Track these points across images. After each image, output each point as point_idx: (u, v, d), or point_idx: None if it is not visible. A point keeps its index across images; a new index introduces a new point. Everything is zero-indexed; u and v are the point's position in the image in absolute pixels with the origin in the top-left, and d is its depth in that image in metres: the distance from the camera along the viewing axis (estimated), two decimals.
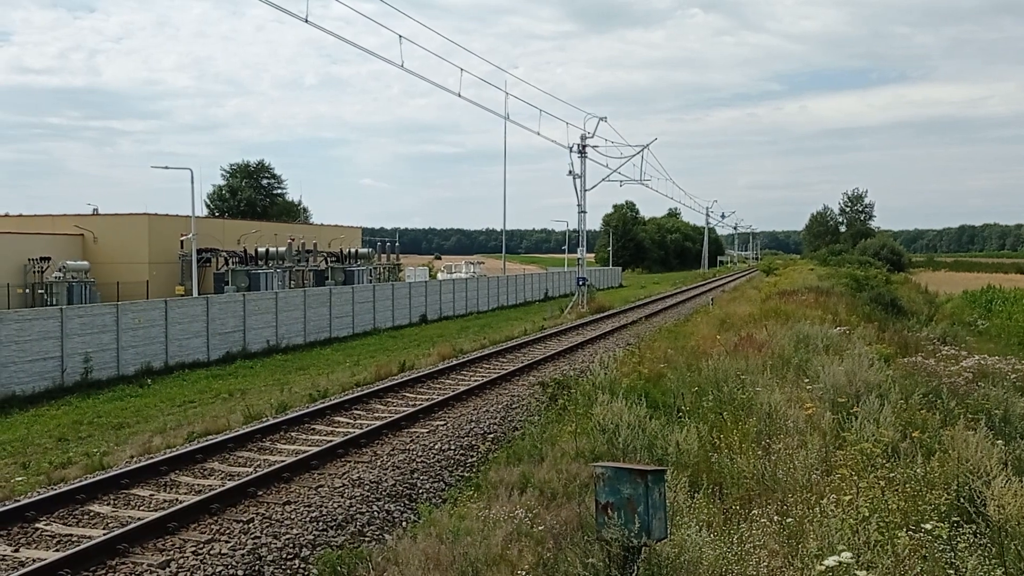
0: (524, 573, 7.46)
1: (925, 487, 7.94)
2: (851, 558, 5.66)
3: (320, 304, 39.15)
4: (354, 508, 12.21)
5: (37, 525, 11.23)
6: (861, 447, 8.92)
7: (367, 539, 11.31)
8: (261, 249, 55.20)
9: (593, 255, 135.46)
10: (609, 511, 6.80)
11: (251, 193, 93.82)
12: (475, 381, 22.44)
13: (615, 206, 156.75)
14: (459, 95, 33.15)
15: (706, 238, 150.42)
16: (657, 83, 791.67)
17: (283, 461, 14.03)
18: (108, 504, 12.18)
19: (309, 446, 15.41)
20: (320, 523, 11.52)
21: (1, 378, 23.87)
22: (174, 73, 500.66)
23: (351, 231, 75.78)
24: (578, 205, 50.26)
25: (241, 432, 16.25)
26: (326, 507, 12.07)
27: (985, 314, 42.09)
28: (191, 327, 31.28)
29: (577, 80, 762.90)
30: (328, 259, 62.32)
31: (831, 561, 5.58)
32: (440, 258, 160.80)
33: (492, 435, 16.92)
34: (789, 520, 7.44)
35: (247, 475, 13.23)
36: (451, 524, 9.55)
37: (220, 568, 9.85)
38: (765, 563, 6.61)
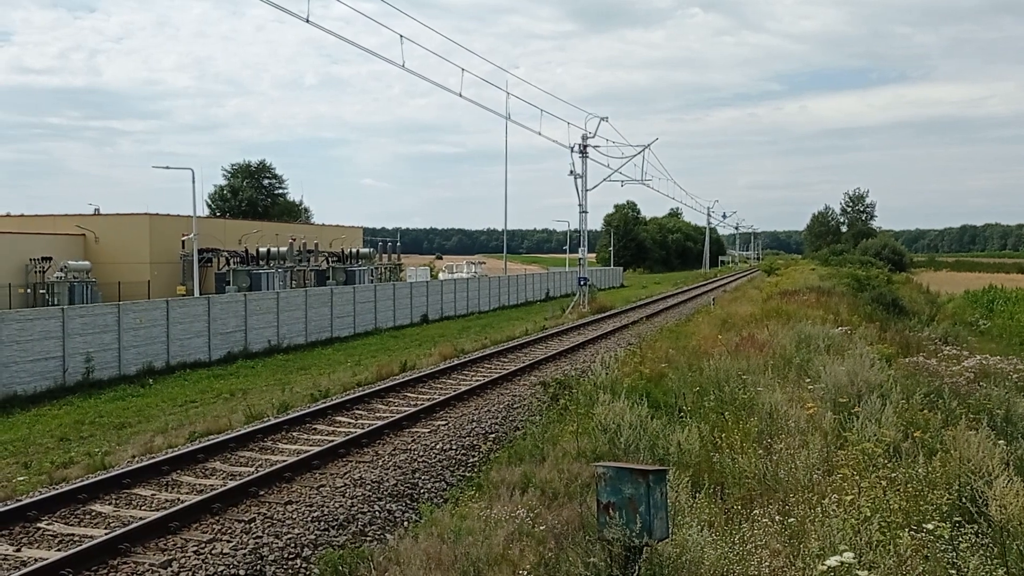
0: (526, 573, 7.46)
1: (927, 487, 7.94)
2: (853, 558, 5.66)
3: (321, 304, 39.16)
4: (356, 508, 12.21)
5: (39, 525, 11.24)
6: (863, 447, 8.92)
7: (369, 539, 11.31)
8: (262, 249, 55.25)
9: (594, 255, 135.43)
10: (611, 511, 6.80)
11: (252, 193, 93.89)
12: (476, 381, 22.44)
13: (616, 206, 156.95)
14: (460, 95, 33.11)
15: (707, 238, 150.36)
16: (657, 83, 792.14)
17: (285, 461, 14.03)
18: (110, 504, 12.19)
19: (311, 446, 15.41)
20: (322, 523, 11.53)
21: (3, 378, 23.88)
22: (174, 73, 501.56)
23: (352, 231, 75.84)
24: (579, 205, 50.28)
25: (242, 432, 16.26)
26: (328, 507, 12.07)
27: (987, 314, 42.05)
28: (192, 327, 31.29)
29: (578, 80, 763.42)
30: (329, 259, 62.38)
31: (833, 561, 5.57)
32: (441, 258, 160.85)
33: (493, 435, 16.92)
34: (791, 520, 7.44)
35: (249, 475, 13.23)
36: (452, 524, 9.55)
37: (222, 568, 9.86)
38: (767, 563, 6.61)
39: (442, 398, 19.66)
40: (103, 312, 27.92)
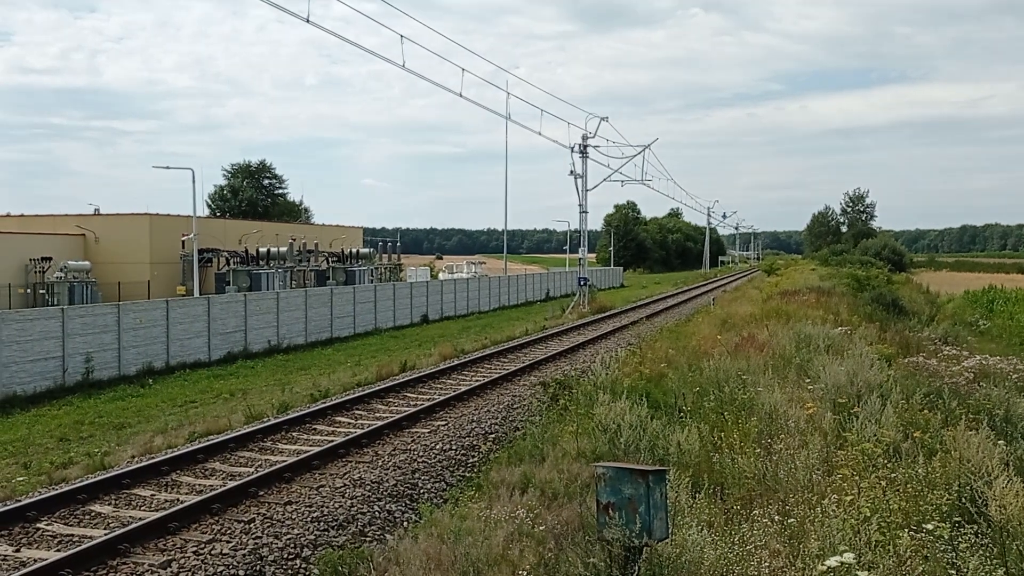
0: (525, 573, 7.46)
1: (926, 487, 7.94)
2: (853, 558, 5.65)
3: (321, 304, 39.16)
4: (355, 508, 12.21)
5: (38, 525, 11.23)
6: (862, 447, 8.91)
7: (368, 539, 11.31)
8: (262, 249, 55.24)
9: (594, 255, 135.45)
10: (610, 511, 6.79)
11: (252, 193, 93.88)
12: (476, 381, 22.44)
13: (616, 206, 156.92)
14: (460, 95, 33.08)
15: (707, 238, 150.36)
16: (658, 83, 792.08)
17: (284, 461, 14.03)
18: (109, 504, 12.19)
19: (310, 446, 15.41)
20: (321, 523, 11.52)
21: (2, 378, 23.88)
22: (175, 73, 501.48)
23: (352, 231, 75.83)
24: (579, 205, 50.27)
25: (242, 432, 16.25)
26: (327, 507, 12.07)
27: (987, 314, 42.03)
28: (192, 327, 31.29)
29: (578, 80, 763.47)
30: (329, 259, 62.37)
31: (833, 561, 5.57)
32: (441, 258, 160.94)
33: (493, 435, 16.92)
34: (790, 520, 7.44)
35: (248, 475, 13.23)
36: (452, 524, 9.54)
37: (221, 568, 9.85)
38: (767, 563, 6.61)
39: (442, 398, 19.66)
40: (103, 312, 27.92)
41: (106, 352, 27.30)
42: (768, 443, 10.04)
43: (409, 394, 20.91)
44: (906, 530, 6.82)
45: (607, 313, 46.41)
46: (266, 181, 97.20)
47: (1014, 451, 9.61)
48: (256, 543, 10.61)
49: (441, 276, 76.35)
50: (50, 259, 46.62)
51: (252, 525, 11.19)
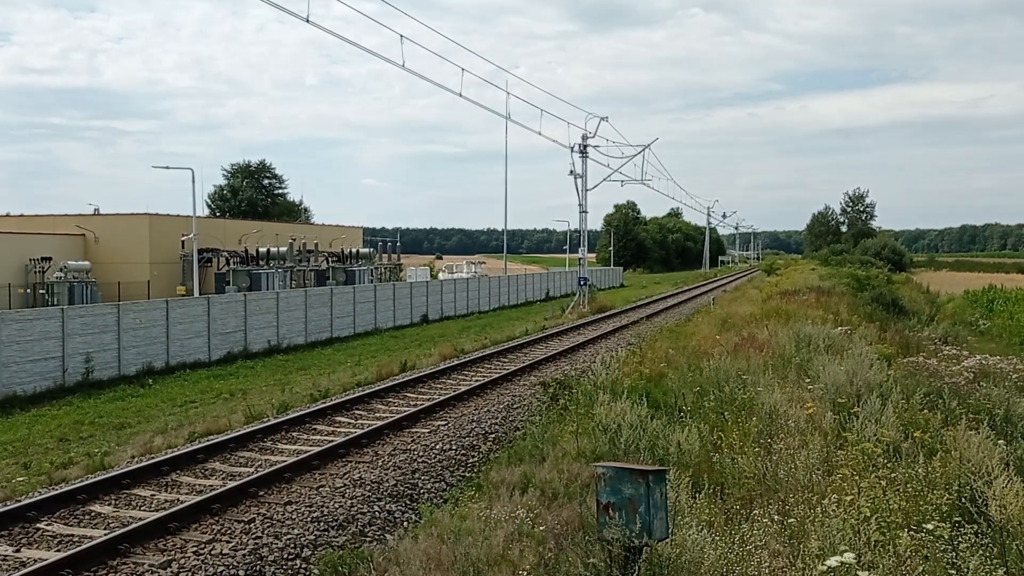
0: (525, 573, 7.46)
1: (927, 487, 7.94)
2: (853, 558, 5.65)
3: (321, 304, 39.16)
4: (355, 508, 12.21)
5: (38, 525, 11.23)
6: (862, 447, 8.92)
7: (368, 539, 11.31)
8: (262, 249, 55.23)
9: (594, 255, 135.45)
10: (610, 511, 6.79)
11: (252, 193, 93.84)
12: (476, 381, 22.44)
13: (616, 206, 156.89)
14: (460, 95, 33.09)
15: (707, 238, 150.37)
16: (658, 83, 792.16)
17: (284, 461, 14.03)
18: (109, 504, 12.19)
19: (310, 446, 15.41)
20: (321, 523, 11.52)
21: (2, 378, 23.88)
22: (175, 73, 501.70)
23: (352, 231, 75.81)
24: (579, 205, 50.29)
25: (242, 432, 16.25)
26: (327, 507, 12.07)
27: (986, 314, 42.04)
28: (192, 327, 31.29)
29: (578, 80, 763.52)
30: (329, 259, 62.36)
31: (833, 561, 5.57)
32: (441, 258, 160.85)
33: (493, 435, 16.92)
34: (790, 520, 7.43)
35: (248, 475, 13.23)
36: (452, 524, 9.54)
37: (221, 568, 9.85)
38: (767, 563, 6.61)
39: (442, 398, 19.66)
40: (103, 312, 27.92)
41: (106, 352, 27.30)
42: (768, 443, 10.04)
43: (409, 394, 20.91)
44: (906, 530, 6.82)
45: (607, 313, 46.41)
46: (266, 181, 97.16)
47: (1014, 451, 9.61)
48: (256, 543, 10.61)
49: (441, 276, 76.34)
50: (50, 259, 46.61)
51: (252, 525, 11.19)
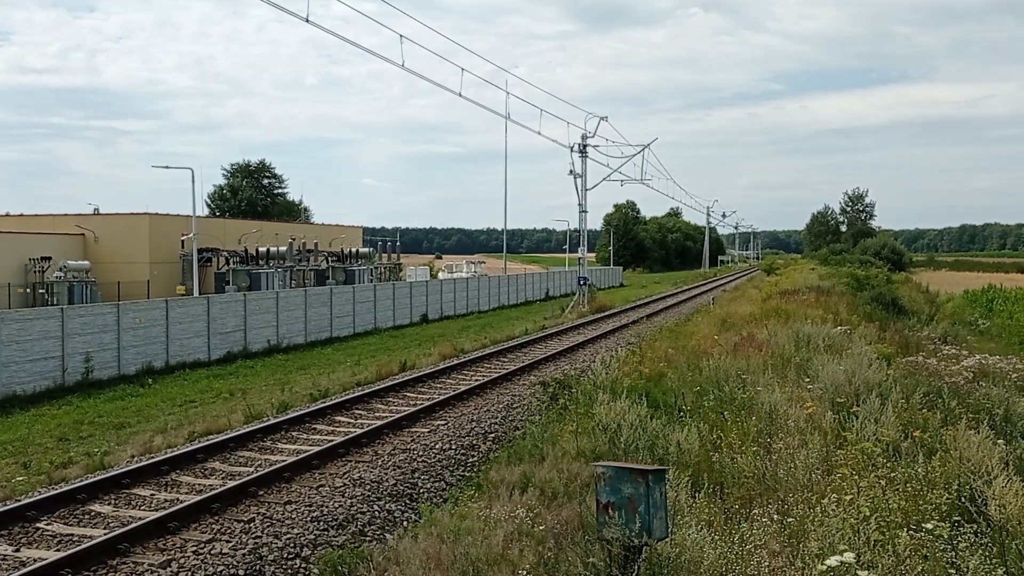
0: (525, 573, 7.46)
1: (926, 487, 7.94)
2: (852, 558, 5.66)
3: (321, 304, 39.16)
4: (355, 508, 12.21)
5: (38, 525, 11.24)
6: (862, 447, 8.92)
7: (368, 539, 11.31)
8: (262, 249, 55.20)
9: (594, 255, 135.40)
10: (610, 511, 6.80)
11: (252, 193, 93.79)
12: (476, 381, 22.44)
13: (616, 205, 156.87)
14: (460, 95, 33.12)
15: (707, 238, 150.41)
16: (658, 83, 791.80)
17: (284, 461, 14.03)
18: (109, 504, 12.19)
19: (310, 446, 15.41)
20: (321, 523, 11.52)
21: (2, 378, 23.88)
22: (175, 73, 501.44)
23: (352, 231, 75.77)
24: (579, 205, 50.30)
25: (242, 432, 16.26)
26: (327, 507, 12.07)
27: (986, 314, 42.06)
28: (192, 327, 31.29)
29: (578, 80, 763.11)
30: (329, 259, 62.33)
31: (832, 561, 5.57)
32: (441, 257, 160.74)
33: (493, 435, 16.92)
34: (790, 520, 7.44)
35: (248, 475, 13.23)
36: (452, 524, 9.55)
37: (221, 568, 9.86)
38: (766, 563, 6.61)
39: (442, 398, 19.66)
40: (102, 312, 27.92)
41: (106, 352, 27.30)
42: (768, 442, 10.04)
43: (409, 394, 20.91)
44: (906, 529, 6.82)
45: (607, 312, 46.42)
46: (266, 181, 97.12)
47: (1014, 450, 9.62)
48: (256, 543, 10.61)
49: (440, 276, 76.31)
50: (49, 259, 46.58)
51: (252, 525, 11.19)
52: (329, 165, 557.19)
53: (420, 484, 13.68)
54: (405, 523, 11.83)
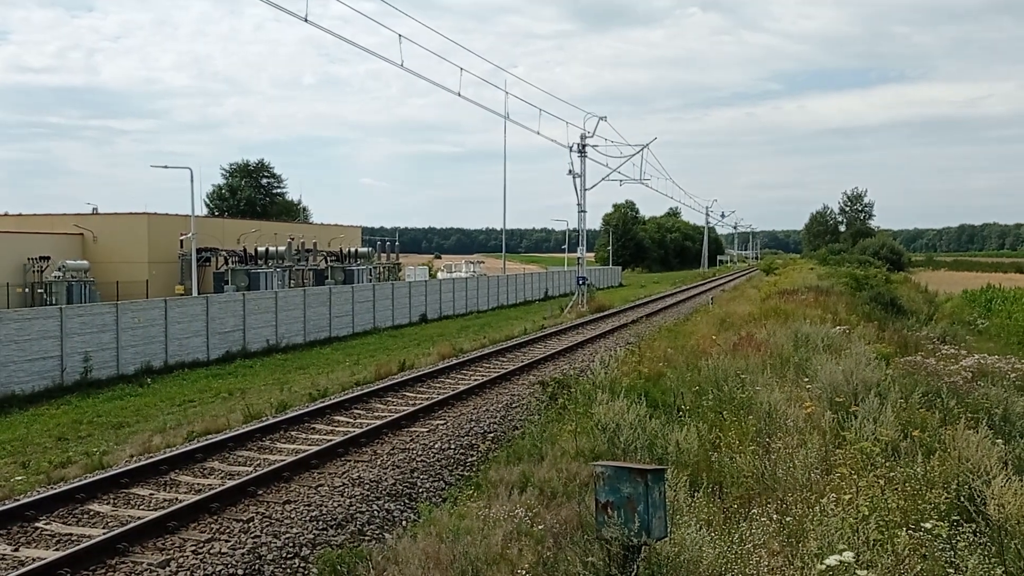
0: (524, 572, 7.46)
1: (925, 486, 7.94)
2: (851, 557, 5.66)
3: (320, 303, 39.15)
4: (354, 507, 12.21)
5: (37, 524, 11.23)
6: (861, 446, 8.92)
7: (367, 538, 11.31)
8: (261, 248, 55.16)
9: (593, 254, 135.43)
10: (609, 510, 6.80)
11: (251, 192, 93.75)
12: (475, 380, 22.44)
13: (615, 205, 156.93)
14: (459, 94, 33.16)
15: (706, 237, 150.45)
16: (657, 82, 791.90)
17: (283, 460, 14.03)
18: (108, 503, 12.18)
19: (309, 445, 15.41)
20: (320, 522, 11.52)
21: (1, 377, 23.86)
22: (173, 72, 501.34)
23: (351, 230, 75.72)
24: (578, 204, 50.29)
25: (241, 431, 16.25)
26: (326, 506, 12.07)
27: (985, 313, 42.09)
28: (191, 326, 31.28)
29: (577, 79, 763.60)
30: (328, 258, 62.28)
31: (831, 560, 5.58)
32: (440, 257, 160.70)
33: (492, 434, 16.92)
34: (789, 519, 7.44)
35: (247, 474, 13.23)
36: (451, 523, 9.54)
37: (220, 567, 9.85)
38: (765, 562, 6.61)
39: (441, 397, 19.66)
40: (101, 312, 27.91)
41: (104, 351, 27.29)
42: (767, 442, 10.04)
43: (408, 393, 20.91)
44: (905, 529, 6.82)
45: (606, 312, 46.42)
46: (264, 180, 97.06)
47: (1012, 450, 9.62)
48: (255, 542, 10.61)
49: (439, 275, 76.27)
50: (48, 258, 46.54)
51: (251, 524, 11.19)
52: (328, 164, 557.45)
53: (419, 484, 13.67)
54: (404, 523, 11.83)
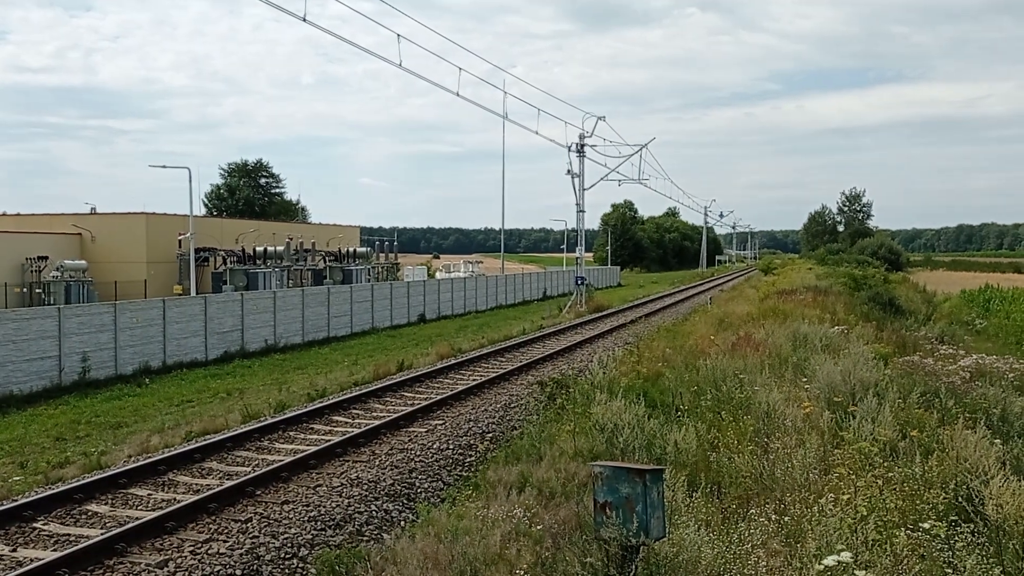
0: (522, 572, 7.46)
1: (923, 486, 7.95)
2: (850, 557, 5.66)
3: (318, 303, 39.13)
4: (352, 508, 12.20)
5: (35, 525, 11.22)
6: (859, 446, 8.92)
7: (365, 539, 11.30)
8: (259, 248, 55.15)
9: (592, 254, 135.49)
10: (607, 510, 6.80)
11: (249, 192, 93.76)
12: (473, 380, 22.44)
13: (614, 205, 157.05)
14: (458, 94, 33.12)
15: (704, 237, 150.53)
16: (655, 82, 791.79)
17: (281, 460, 14.02)
18: (106, 504, 12.17)
19: (307, 445, 15.40)
20: (318, 523, 11.52)
21: None
22: (171, 72, 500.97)
23: (349, 230, 75.71)
24: (576, 204, 50.28)
25: (239, 431, 16.24)
26: (324, 507, 12.06)
27: (983, 313, 42.14)
28: (189, 326, 31.26)
29: (575, 79, 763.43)
30: (326, 258, 62.28)
31: (830, 560, 5.58)
32: (439, 257, 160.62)
33: (490, 434, 16.92)
34: (787, 519, 7.45)
35: (245, 474, 13.22)
36: (449, 523, 9.54)
37: (218, 568, 9.84)
38: (764, 562, 6.61)
39: (439, 397, 19.65)
40: (99, 311, 27.89)
41: (103, 351, 27.26)
42: (765, 442, 10.05)
43: (406, 393, 20.91)
44: (903, 529, 6.83)
45: (604, 312, 46.42)
46: (263, 180, 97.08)
47: (1011, 450, 9.63)
48: (253, 542, 10.60)
49: (438, 275, 76.25)
50: (46, 258, 46.52)
51: (249, 524, 11.18)
52: (326, 164, 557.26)
53: (418, 484, 13.67)
54: (403, 523, 11.82)
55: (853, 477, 7.98)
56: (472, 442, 16.25)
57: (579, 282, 51.53)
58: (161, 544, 10.46)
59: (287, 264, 55.84)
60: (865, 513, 6.98)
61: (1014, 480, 7.51)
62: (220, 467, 14.11)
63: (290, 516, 11.60)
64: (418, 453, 15.09)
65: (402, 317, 46.11)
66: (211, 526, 11.11)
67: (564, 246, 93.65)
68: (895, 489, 7.77)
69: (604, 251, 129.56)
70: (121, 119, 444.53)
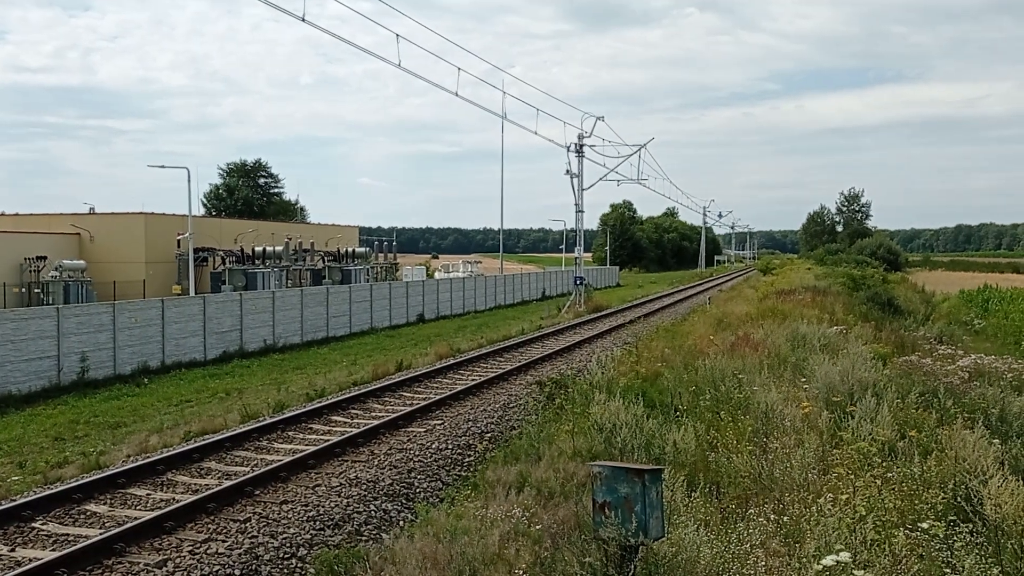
0: (521, 572, 7.46)
1: (922, 486, 7.95)
2: (849, 557, 5.67)
3: (317, 303, 39.13)
4: (351, 507, 12.20)
5: (34, 525, 11.21)
6: (858, 446, 8.93)
7: (364, 538, 11.30)
8: (258, 248, 55.12)
9: (591, 254, 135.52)
10: (606, 510, 6.80)
11: (248, 192, 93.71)
12: (472, 380, 22.44)
13: (612, 205, 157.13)
14: (457, 94, 33.20)
15: (703, 237, 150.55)
16: (654, 82, 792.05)
17: (280, 460, 14.01)
18: (105, 503, 12.16)
19: (306, 445, 15.40)
20: (317, 522, 11.51)
21: None
22: (170, 72, 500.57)
23: (348, 230, 75.68)
24: (575, 204, 50.28)
25: (238, 431, 16.24)
26: (323, 506, 12.06)
27: (981, 313, 42.14)
28: (188, 326, 31.25)
29: (574, 79, 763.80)
30: (325, 258, 62.26)
31: (829, 560, 5.58)
32: (437, 257, 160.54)
33: (489, 434, 16.92)
34: (786, 519, 7.45)
35: (244, 474, 13.21)
36: (448, 523, 9.54)
37: (217, 567, 9.84)
38: (763, 562, 6.62)
39: (438, 397, 19.65)
40: (98, 311, 27.88)
41: (101, 351, 27.25)
42: (764, 442, 10.05)
43: (405, 393, 20.90)
44: (902, 529, 6.84)
45: (603, 312, 46.43)
46: (262, 180, 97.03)
47: (1009, 450, 9.64)
48: (252, 542, 10.60)
49: (437, 275, 76.23)
50: (45, 258, 46.48)
51: (248, 524, 11.18)
52: (325, 164, 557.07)
53: (416, 484, 13.67)
54: (401, 523, 11.82)
55: (852, 477, 7.99)
56: (471, 442, 16.25)
57: (578, 282, 51.54)
58: (160, 544, 10.46)
59: (286, 264, 55.81)
60: (864, 513, 6.99)
61: (1012, 480, 7.52)
62: (219, 467, 14.11)
63: (289, 516, 11.60)
64: (417, 453, 15.09)
65: (401, 317, 46.10)
66: (210, 526, 11.11)
67: (563, 246, 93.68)
68: (894, 489, 7.78)
69: (603, 251, 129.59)
70: (120, 119, 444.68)
